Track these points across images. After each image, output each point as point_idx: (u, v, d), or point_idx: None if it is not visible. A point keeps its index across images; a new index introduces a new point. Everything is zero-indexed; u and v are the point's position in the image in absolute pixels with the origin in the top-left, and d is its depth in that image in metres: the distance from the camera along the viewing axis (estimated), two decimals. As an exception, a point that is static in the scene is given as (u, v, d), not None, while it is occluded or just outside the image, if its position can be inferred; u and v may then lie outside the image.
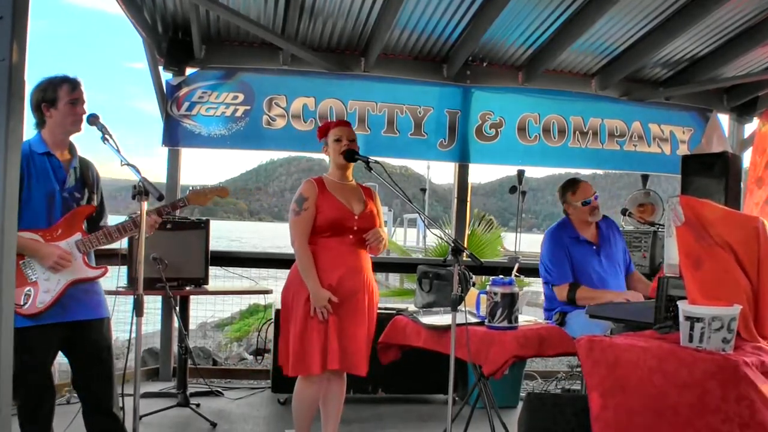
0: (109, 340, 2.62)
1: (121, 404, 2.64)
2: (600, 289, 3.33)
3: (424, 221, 3.35)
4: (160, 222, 2.65)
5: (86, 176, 2.63)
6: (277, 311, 3.54)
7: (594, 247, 3.48)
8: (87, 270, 2.53)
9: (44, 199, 2.47)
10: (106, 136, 2.45)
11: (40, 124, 2.53)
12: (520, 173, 5.04)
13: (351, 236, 3.02)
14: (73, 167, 2.58)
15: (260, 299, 4.89)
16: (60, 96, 2.47)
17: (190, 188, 2.87)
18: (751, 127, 5.58)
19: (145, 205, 2.34)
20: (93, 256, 2.64)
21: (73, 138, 2.60)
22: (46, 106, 2.47)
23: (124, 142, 2.61)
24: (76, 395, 3.87)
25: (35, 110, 2.51)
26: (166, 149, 4.70)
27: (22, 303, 2.40)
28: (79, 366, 2.59)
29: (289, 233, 3.04)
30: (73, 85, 2.50)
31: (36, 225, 2.46)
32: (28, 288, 2.43)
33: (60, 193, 2.51)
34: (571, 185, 3.56)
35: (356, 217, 3.02)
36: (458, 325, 2.70)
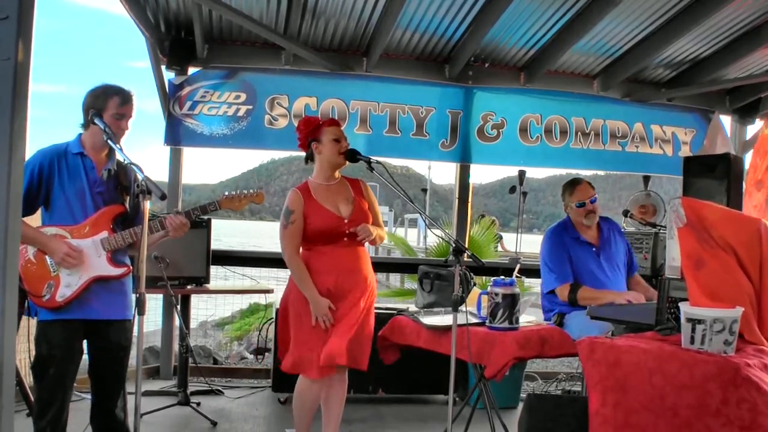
0: (129, 342, 2.63)
1: (126, 403, 2.65)
2: (601, 290, 3.32)
3: (425, 221, 3.35)
4: (189, 224, 2.64)
5: (122, 179, 2.64)
6: (278, 309, 3.55)
7: (594, 249, 3.48)
8: (110, 268, 2.54)
9: (74, 197, 2.51)
10: (110, 135, 2.46)
11: (85, 126, 2.56)
12: (521, 174, 5.04)
13: (345, 239, 3.00)
14: (107, 169, 2.59)
15: (261, 298, 4.91)
16: (108, 107, 2.50)
17: (225, 193, 2.80)
18: (753, 128, 5.57)
19: (148, 204, 2.34)
20: (126, 256, 2.65)
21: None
22: (93, 112, 2.49)
23: (124, 140, 2.58)
24: (74, 393, 3.91)
25: (84, 112, 2.54)
26: (163, 148, 4.71)
27: (42, 294, 2.44)
28: (95, 362, 2.62)
29: (279, 243, 3.02)
30: (124, 99, 2.53)
31: (65, 221, 2.51)
32: (50, 281, 2.46)
33: (90, 192, 2.54)
34: (570, 185, 3.54)
35: (346, 221, 2.99)
36: (459, 325, 2.70)
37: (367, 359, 3.02)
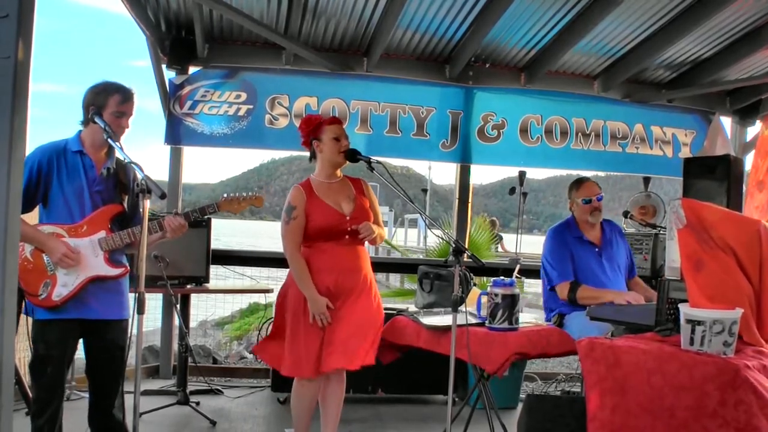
0: (125, 341, 2.62)
1: (123, 402, 2.64)
2: (601, 289, 3.33)
3: (425, 221, 3.35)
4: (187, 226, 2.63)
5: (121, 178, 2.62)
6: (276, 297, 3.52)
7: (596, 249, 3.48)
8: (107, 268, 2.53)
9: (73, 196, 2.49)
10: (111, 134, 2.45)
11: (85, 123, 2.54)
12: (522, 174, 5.04)
13: (346, 237, 2.99)
14: (106, 168, 2.57)
15: (260, 298, 4.92)
16: (108, 104, 2.48)
17: (225, 195, 2.78)
18: (754, 130, 5.58)
19: (148, 203, 2.34)
20: (124, 256, 2.64)
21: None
22: (93, 109, 2.47)
23: (124, 139, 2.56)
24: (74, 392, 3.92)
25: (84, 109, 2.53)
26: (163, 147, 4.70)
27: (39, 293, 2.43)
28: (92, 361, 2.61)
29: (281, 240, 3.01)
30: (124, 96, 2.51)
31: (63, 220, 2.49)
32: (46, 279, 2.45)
33: (88, 190, 2.52)
34: (576, 183, 3.57)
35: (348, 219, 2.98)
36: (459, 325, 2.70)
37: (370, 355, 2.96)
